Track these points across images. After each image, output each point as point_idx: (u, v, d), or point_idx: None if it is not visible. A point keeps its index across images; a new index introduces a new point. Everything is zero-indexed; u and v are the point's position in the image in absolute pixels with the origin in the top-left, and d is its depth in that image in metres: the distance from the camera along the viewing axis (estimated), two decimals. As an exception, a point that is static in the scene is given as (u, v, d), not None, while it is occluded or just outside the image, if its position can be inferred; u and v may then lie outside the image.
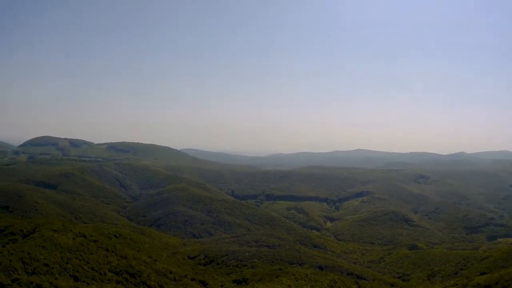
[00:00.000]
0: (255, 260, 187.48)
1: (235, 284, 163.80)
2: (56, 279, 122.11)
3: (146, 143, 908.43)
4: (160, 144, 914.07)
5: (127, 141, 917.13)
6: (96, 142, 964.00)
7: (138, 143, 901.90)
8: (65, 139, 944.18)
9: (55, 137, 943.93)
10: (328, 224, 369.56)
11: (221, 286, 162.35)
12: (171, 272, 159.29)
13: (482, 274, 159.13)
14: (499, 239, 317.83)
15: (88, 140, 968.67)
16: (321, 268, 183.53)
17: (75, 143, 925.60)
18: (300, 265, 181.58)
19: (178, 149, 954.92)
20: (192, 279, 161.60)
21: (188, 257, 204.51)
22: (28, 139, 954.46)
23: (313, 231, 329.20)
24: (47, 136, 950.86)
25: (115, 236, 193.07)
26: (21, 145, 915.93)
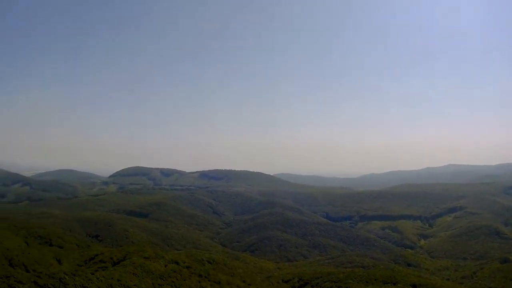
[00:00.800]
0: (349, 281, 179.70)
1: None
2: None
3: (239, 169, 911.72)
4: (253, 170, 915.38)
5: (219, 168, 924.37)
6: (188, 170, 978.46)
7: (231, 170, 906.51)
8: (156, 168, 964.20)
9: (146, 167, 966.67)
10: (422, 241, 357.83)
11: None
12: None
13: None
14: None
15: (179, 169, 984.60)
16: (414, 286, 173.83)
17: (166, 173, 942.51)
18: (394, 284, 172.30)
19: (271, 174, 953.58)
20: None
21: (283, 280, 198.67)
22: (118, 169, 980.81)
23: (407, 249, 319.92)
24: (137, 166, 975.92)
25: (209, 262, 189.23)
26: (110, 176, 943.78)
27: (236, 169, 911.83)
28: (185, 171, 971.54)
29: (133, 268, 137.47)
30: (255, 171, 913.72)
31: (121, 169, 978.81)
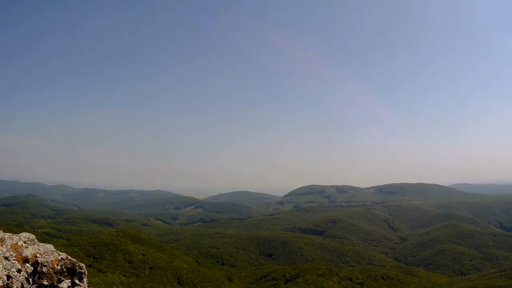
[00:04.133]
0: None
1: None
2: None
3: (414, 182, 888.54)
4: (428, 182, 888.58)
5: (394, 182, 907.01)
6: (363, 186, 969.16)
7: (406, 183, 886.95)
8: (332, 186, 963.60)
9: (321, 185, 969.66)
10: None
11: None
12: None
13: None
14: None
15: (355, 185, 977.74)
16: None
17: (342, 189, 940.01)
18: None
19: (447, 185, 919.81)
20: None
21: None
22: (293, 188, 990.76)
23: None
24: (312, 185, 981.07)
25: (382, 278, 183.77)
26: (285, 196, 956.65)
27: (412, 182, 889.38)
28: (360, 187, 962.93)
29: (306, 285, 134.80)
30: (430, 183, 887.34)
31: (296, 188, 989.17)
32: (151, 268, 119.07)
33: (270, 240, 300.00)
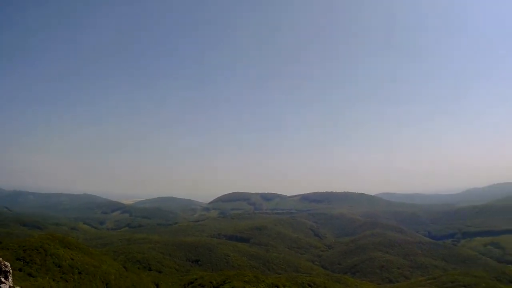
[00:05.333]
0: None
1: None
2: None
3: (340, 191, 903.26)
4: (354, 191, 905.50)
5: (320, 191, 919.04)
6: (289, 194, 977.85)
7: (332, 192, 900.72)
8: (257, 193, 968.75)
9: (246, 193, 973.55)
10: None
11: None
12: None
13: None
14: None
15: (280, 193, 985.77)
16: None
17: (267, 197, 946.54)
18: None
19: (373, 194, 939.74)
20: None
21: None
22: (218, 195, 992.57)
23: (509, 265, 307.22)
24: (238, 192, 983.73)
25: (309, 285, 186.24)
26: (211, 202, 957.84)
27: (337, 191, 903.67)
28: (285, 195, 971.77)
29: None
30: (356, 192, 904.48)
31: (221, 195, 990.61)
32: (80, 272, 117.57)
33: (196, 246, 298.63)
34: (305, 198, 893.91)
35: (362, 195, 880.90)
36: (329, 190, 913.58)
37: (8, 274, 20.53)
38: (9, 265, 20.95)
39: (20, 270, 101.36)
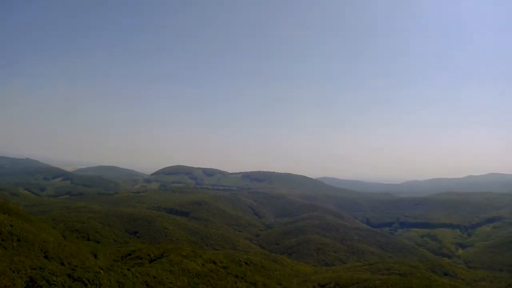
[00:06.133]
0: None
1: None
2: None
3: (282, 172, 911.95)
4: (296, 173, 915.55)
5: (262, 170, 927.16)
6: (230, 171, 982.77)
7: (274, 172, 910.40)
8: (199, 168, 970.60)
9: (189, 166, 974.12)
10: (460, 251, 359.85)
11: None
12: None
13: None
14: None
15: (222, 170, 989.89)
16: None
17: (209, 172, 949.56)
18: None
19: (314, 178, 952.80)
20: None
21: (319, 284, 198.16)
22: (161, 168, 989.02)
23: (445, 258, 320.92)
24: (180, 165, 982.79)
25: (246, 263, 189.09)
26: (153, 174, 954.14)
27: (279, 172, 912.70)
28: (227, 172, 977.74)
29: (170, 266, 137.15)
30: (298, 174, 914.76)
31: (163, 167, 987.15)
32: (19, 240, 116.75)
33: (136, 217, 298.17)
34: (246, 176, 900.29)
35: (303, 177, 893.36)
36: (271, 170, 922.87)
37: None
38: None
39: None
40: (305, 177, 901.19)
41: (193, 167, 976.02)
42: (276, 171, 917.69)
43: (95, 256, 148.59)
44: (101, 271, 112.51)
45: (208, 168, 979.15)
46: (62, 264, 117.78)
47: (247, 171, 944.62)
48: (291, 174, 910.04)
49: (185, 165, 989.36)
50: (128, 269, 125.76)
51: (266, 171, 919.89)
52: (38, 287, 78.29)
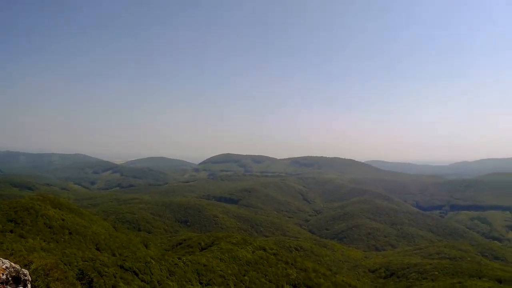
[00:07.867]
0: (435, 273, 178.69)
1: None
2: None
3: (331, 156, 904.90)
4: (344, 157, 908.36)
5: (311, 155, 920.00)
6: (279, 157, 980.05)
7: (322, 157, 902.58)
8: (248, 155, 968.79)
9: (237, 154, 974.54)
10: (511, 233, 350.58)
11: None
12: (350, 286, 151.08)
13: None
14: None
15: (270, 156, 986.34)
16: (499, 281, 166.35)
17: (257, 160, 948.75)
18: (479, 278, 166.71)
19: (363, 161, 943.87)
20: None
21: (369, 270, 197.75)
22: (209, 157, 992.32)
23: (495, 241, 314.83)
24: (228, 153, 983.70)
25: (296, 249, 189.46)
26: (201, 163, 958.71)
27: (328, 156, 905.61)
28: (276, 158, 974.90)
29: (221, 254, 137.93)
30: (346, 158, 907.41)
31: (211, 156, 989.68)
32: (70, 233, 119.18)
33: (186, 207, 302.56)
34: (295, 161, 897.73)
35: (351, 161, 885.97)
36: (319, 155, 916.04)
37: (28, 282, 21.35)
38: (28, 273, 21.87)
39: (11, 231, 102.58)
40: (353, 160, 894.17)
41: (241, 154, 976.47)
42: (324, 156, 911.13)
43: (146, 246, 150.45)
44: (152, 260, 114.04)
45: (257, 155, 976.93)
46: (113, 255, 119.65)
47: (295, 156, 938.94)
48: (339, 158, 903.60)
49: (233, 153, 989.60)
50: (179, 258, 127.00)
51: (314, 156, 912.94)
52: (89, 279, 79.47)
